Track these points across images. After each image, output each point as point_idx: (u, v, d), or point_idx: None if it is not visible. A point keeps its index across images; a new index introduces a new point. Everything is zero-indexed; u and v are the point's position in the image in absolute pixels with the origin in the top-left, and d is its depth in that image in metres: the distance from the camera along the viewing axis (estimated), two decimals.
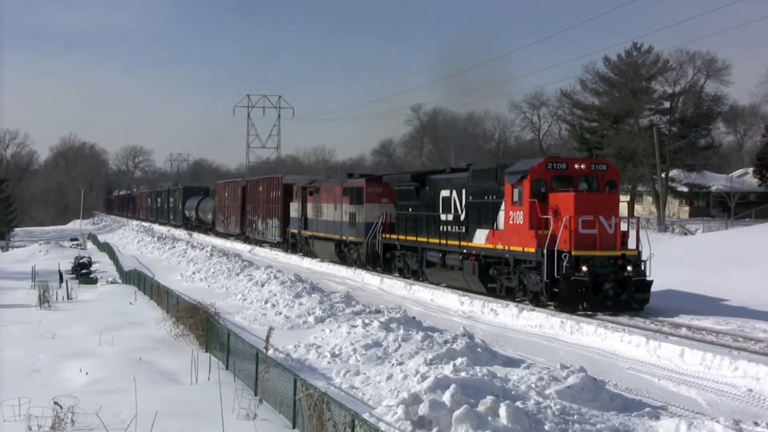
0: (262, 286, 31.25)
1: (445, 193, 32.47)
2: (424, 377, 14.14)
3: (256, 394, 14.51)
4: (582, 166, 26.98)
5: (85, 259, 44.54)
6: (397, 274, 37.13)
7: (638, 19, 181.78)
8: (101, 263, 49.15)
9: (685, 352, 18.77)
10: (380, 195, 39.86)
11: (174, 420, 12.67)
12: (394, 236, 37.04)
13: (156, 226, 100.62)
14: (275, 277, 32.36)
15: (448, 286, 31.90)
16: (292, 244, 53.33)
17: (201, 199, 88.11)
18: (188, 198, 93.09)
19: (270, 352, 16.48)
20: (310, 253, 49.22)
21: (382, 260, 38.49)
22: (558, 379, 14.36)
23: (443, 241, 31.97)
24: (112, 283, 38.36)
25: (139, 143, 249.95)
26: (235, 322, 24.04)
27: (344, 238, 42.58)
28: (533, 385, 14.05)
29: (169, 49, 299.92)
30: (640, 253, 25.64)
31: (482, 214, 29.13)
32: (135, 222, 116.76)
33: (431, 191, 34.07)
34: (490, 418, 11.74)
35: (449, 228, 31.67)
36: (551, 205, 25.64)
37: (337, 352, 18.64)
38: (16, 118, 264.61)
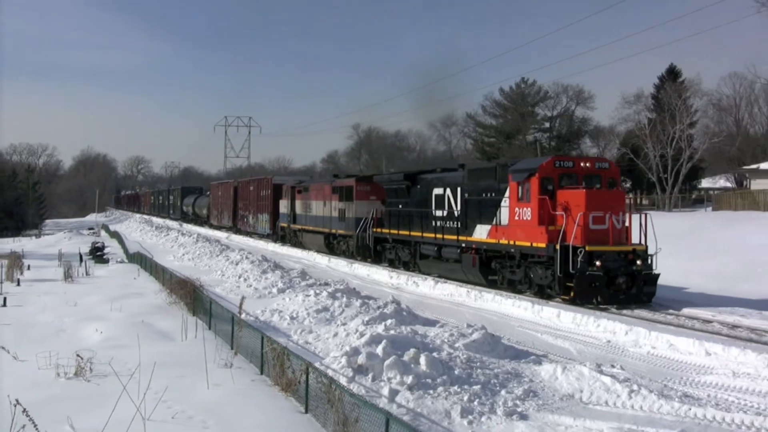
0: (237, 264, 30.90)
1: (438, 191, 27.77)
2: (362, 334, 14.06)
3: (232, 348, 14.34)
4: (587, 164, 22.58)
5: (99, 244, 43.84)
6: (386, 264, 32.23)
7: (525, 59, 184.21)
8: (112, 247, 48.24)
9: (561, 313, 18.98)
10: (369, 193, 35.72)
11: (169, 369, 12.51)
12: (385, 230, 32.15)
13: (155, 219, 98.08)
14: (247, 258, 32.07)
15: (441, 277, 27.00)
16: (281, 236, 49.28)
17: (197, 197, 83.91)
18: (186, 196, 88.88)
19: (243, 315, 16.40)
20: (298, 244, 44.93)
21: (372, 252, 33.77)
22: (465, 335, 14.40)
23: (439, 236, 27.20)
24: (120, 262, 37.78)
25: (141, 153, 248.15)
26: (216, 292, 23.72)
27: (333, 231, 38.63)
28: (446, 340, 14.07)
29: (166, 80, 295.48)
30: (647, 247, 21.17)
31: (482, 210, 24.55)
32: (138, 215, 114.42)
33: (423, 189, 29.16)
34: (413, 365, 11.75)
35: (444, 223, 27.07)
36: (560, 202, 21.27)
37: (294, 316, 18.50)
38: (46, 134, 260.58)
